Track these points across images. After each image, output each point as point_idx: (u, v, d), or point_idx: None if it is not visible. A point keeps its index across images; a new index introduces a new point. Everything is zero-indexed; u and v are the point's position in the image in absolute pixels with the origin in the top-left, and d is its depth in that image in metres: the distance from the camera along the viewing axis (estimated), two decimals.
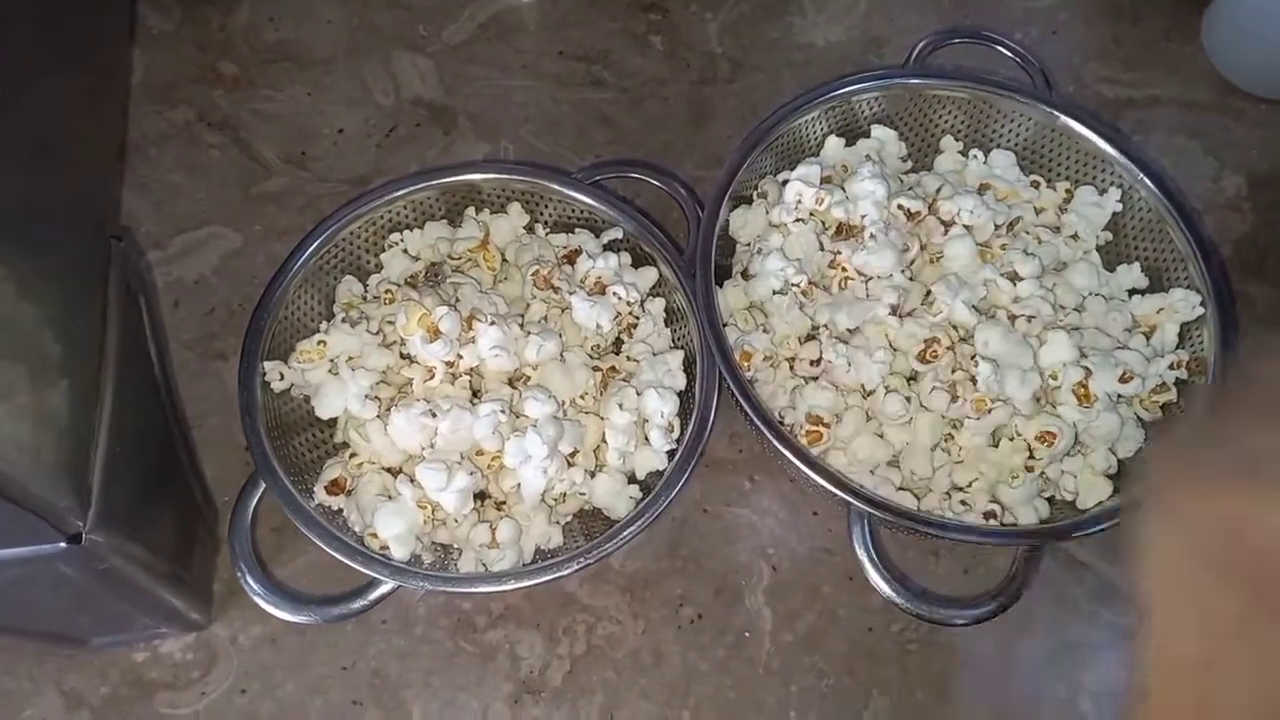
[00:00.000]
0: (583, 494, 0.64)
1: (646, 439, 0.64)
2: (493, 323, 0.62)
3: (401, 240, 0.70)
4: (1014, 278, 0.66)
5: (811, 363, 0.65)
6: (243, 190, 0.79)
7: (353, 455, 0.63)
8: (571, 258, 0.68)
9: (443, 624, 0.67)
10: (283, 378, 0.63)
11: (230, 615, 0.66)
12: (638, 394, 0.64)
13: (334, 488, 0.62)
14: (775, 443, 0.59)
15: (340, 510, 0.62)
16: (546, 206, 0.71)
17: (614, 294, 0.66)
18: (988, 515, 0.63)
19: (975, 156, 0.71)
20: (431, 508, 0.60)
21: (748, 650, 0.67)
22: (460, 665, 0.66)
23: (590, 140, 0.82)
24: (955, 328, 0.66)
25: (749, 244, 0.70)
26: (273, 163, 0.81)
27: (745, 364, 0.64)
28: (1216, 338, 0.64)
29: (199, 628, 0.65)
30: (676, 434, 0.64)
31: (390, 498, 0.61)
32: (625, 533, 0.59)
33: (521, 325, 0.64)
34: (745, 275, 0.68)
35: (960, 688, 0.66)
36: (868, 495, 0.59)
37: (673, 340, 0.69)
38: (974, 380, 0.64)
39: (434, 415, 0.60)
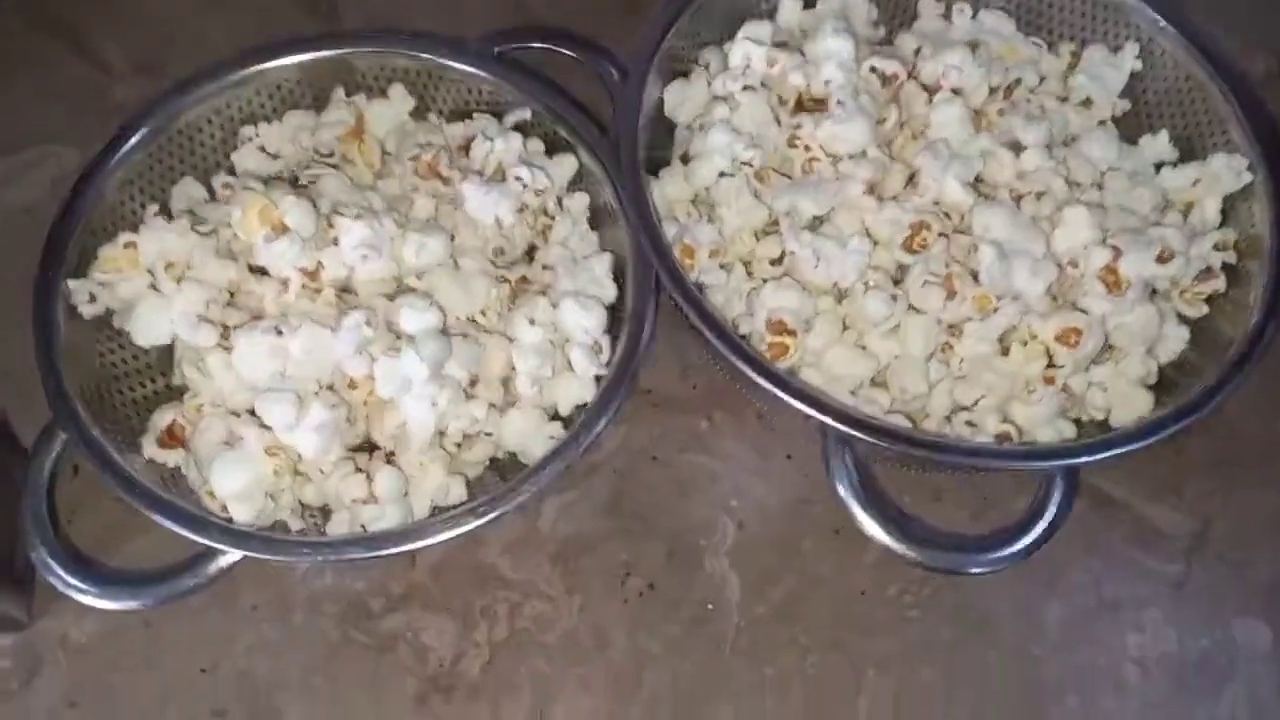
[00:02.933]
0: (489, 434, 0.50)
1: (568, 363, 0.51)
2: (358, 216, 0.49)
3: (257, 134, 0.57)
4: (1016, 148, 0.54)
5: (772, 262, 0.52)
6: (84, 102, 0.66)
7: (192, 397, 0.50)
8: (468, 147, 0.55)
9: (328, 610, 0.54)
10: (94, 299, 0.50)
11: (58, 609, 0.53)
12: (553, 306, 0.51)
13: (169, 439, 0.49)
14: (726, 353, 0.47)
15: (178, 468, 0.49)
16: (439, 89, 0.58)
17: (517, 178, 0.53)
18: (1000, 439, 0.50)
19: (961, 10, 0.59)
20: (285, 455, 0.48)
21: (711, 626, 0.54)
22: (350, 660, 0.53)
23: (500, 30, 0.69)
24: (947, 214, 0.53)
25: (689, 125, 0.57)
26: (121, 70, 0.67)
27: (688, 262, 0.51)
28: (1271, 210, 0.52)
29: (17, 626, 0.52)
30: (606, 356, 0.52)
31: (232, 445, 0.47)
32: (540, 474, 0.46)
33: (400, 225, 0.51)
34: (685, 160, 0.55)
35: (976, 662, 0.54)
36: (849, 414, 0.46)
37: (600, 245, 0.56)
38: (974, 274, 0.51)
39: (280, 333, 0.47)
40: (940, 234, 0.51)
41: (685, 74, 0.58)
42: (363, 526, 0.48)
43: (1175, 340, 0.52)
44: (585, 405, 0.51)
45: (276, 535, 0.47)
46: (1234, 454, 0.58)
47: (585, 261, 0.54)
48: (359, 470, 0.49)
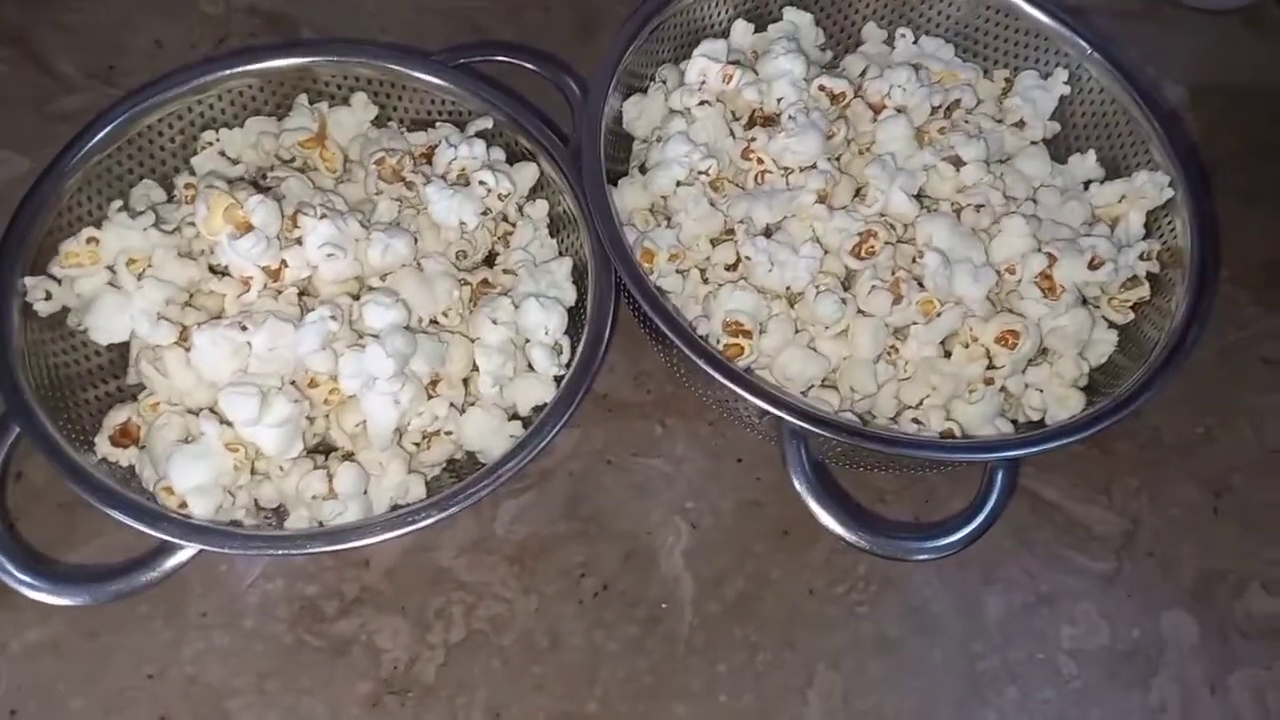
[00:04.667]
0: (449, 433, 0.51)
1: (529, 365, 0.52)
2: (323, 216, 0.49)
3: (217, 138, 0.57)
4: (957, 163, 0.57)
5: (727, 268, 0.54)
6: (34, 109, 0.65)
7: (147, 395, 0.49)
8: (430, 155, 0.56)
9: (280, 614, 0.53)
10: (49, 297, 0.49)
11: None
12: (515, 306, 0.52)
13: (122, 437, 0.48)
14: (688, 351, 0.48)
15: (132, 467, 0.49)
16: (401, 98, 0.59)
17: (480, 183, 0.54)
18: (944, 436, 0.52)
19: (903, 36, 0.62)
20: (245, 451, 0.47)
21: (665, 625, 0.55)
22: (304, 663, 0.52)
23: (460, 44, 0.70)
24: (893, 224, 0.55)
25: (646, 138, 0.59)
26: (72, 78, 0.67)
27: (648, 266, 0.53)
28: (1191, 222, 0.55)
29: None
30: (566, 356, 0.52)
31: (191, 442, 0.47)
32: (499, 472, 0.47)
33: (365, 226, 0.52)
34: (643, 170, 0.57)
35: (922, 657, 0.55)
36: (806, 409, 0.48)
37: (559, 251, 0.57)
38: (918, 280, 0.53)
39: (244, 329, 0.47)
40: (886, 242, 0.53)
41: (642, 90, 0.60)
42: (320, 523, 0.48)
43: (1104, 344, 0.55)
44: (544, 406, 0.51)
45: (234, 529, 0.46)
46: (1158, 456, 0.62)
47: (545, 265, 0.55)
48: (318, 467, 0.49)
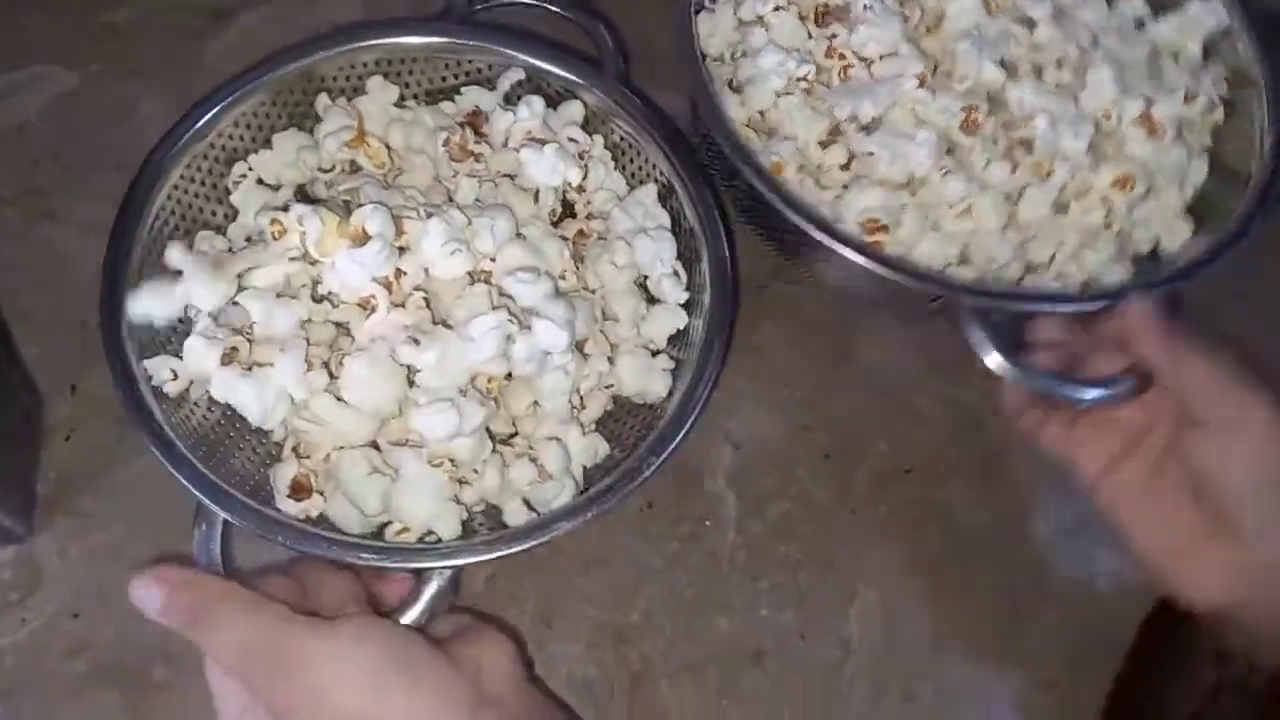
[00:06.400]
0: (609, 386, 0.51)
1: (652, 298, 0.53)
2: (430, 214, 0.47)
3: (249, 168, 0.54)
4: (1029, 24, 0.58)
5: (841, 168, 0.54)
6: (78, 21, 0.65)
7: (312, 447, 0.48)
8: (473, 121, 0.54)
9: None
10: (176, 376, 0.47)
11: (58, 524, 0.53)
12: (628, 244, 0.52)
13: (299, 491, 0.47)
14: (849, 253, 0.49)
15: (322, 517, 0.47)
16: (411, 72, 0.57)
17: (571, 139, 0.54)
18: (1084, 287, 0.54)
19: None
20: (448, 463, 0.47)
21: (708, 542, 0.56)
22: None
23: None
24: (987, 94, 0.56)
25: (719, 56, 0.59)
26: None
27: (780, 178, 0.53)
28: (1253, 45, 0.58)
29: (16, 540, 0.52)
30: (685, 280, 0.53)
31: (392, 477, 0.47)
32: (686, 421, 0.47)
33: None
34: (734, 88, 0.57)
35: (961, 578, 0.56)
36: (983, 288, 0.51)
37: (627, 178, 0.57)
38: (1025, 145, 0.55)
39: (417, 343, 0.45)
40: (989, 114, 0.55)
41: (708, 9, 0.59)
42: (536, 512, 0.48)
43: (1199, 173, 0.57)
44: (682, 331, 0.52)
45: (488, 538, 0.46)
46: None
47: (633, 197, 0.55)
48: (520, 456, 0.49)
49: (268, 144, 0.54)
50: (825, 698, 0.53)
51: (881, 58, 0.56)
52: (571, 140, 0.54)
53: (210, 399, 0.47)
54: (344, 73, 0.55)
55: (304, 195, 0.54)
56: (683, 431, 0.47)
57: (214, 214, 0.53)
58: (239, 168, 0.53)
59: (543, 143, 0.53)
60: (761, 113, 0.56)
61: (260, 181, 0.54)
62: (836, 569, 0.56)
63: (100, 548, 0.52)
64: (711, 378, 0.49)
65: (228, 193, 0.53)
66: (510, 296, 0.48)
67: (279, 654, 0.39)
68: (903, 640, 0.54)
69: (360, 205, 0.47)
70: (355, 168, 0.54)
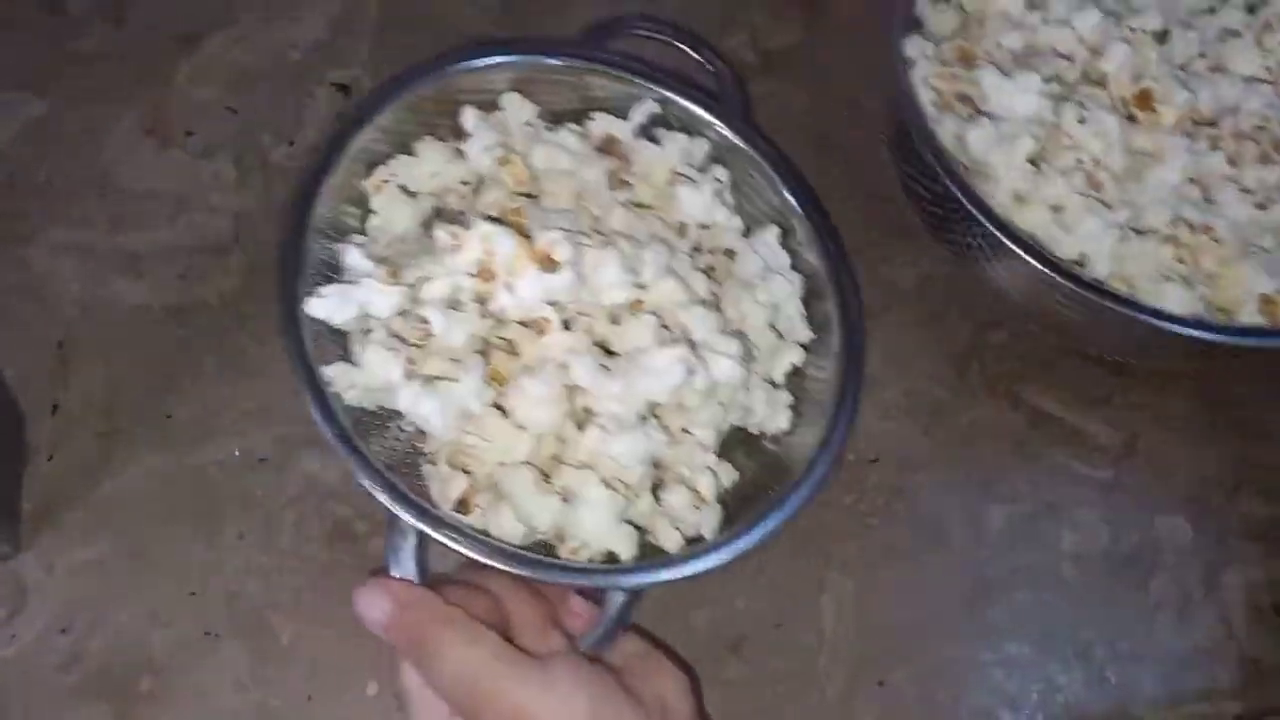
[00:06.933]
0: (747, 408, 0.51)
1: (779, 335, 0.54)
2: (607, 244, 0.48)
3: (392, 174, 0.52)
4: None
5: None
6: (48, 47, 0.66)
7: (476, 464, 0.47)
8: (611, 149, 0.54)
9: (314, 534, 0.55)
10: (355, 386, 0.47)
11: (44, 541, 0.53)
12: (763, 281, 0.53)
13: (464, 506, 0.47)
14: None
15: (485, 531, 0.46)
16: (536, 93, 0.56)
17: (716, 179, 0.54)
18: None
19: None
20: (625, 484, 0.47)
21: None
22: (340, 579, 0.54)
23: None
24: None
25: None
26: (82, 18, 0.67)
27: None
28: None
29: (2, 557, 0.53)
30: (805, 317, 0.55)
31: (562, 495, 0.46)
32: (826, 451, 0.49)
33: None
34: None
35: (930, 564, 0.58)
36: None
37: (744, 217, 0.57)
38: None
39: (605, 369, 0.46)
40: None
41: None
42: (686, 540, 0.48)
43: None
44: (798, 368, 0.53)
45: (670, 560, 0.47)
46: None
47: (758, 237, 0.55)
48: (679, 483, 0.48)
49: (403, 150, 0.53)
50: (804, 685, 0.54)
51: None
52: (717, 180, 0.55)
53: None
54: (479, 88, 0.55)
55: (440, 209, 0.53)
56: (829, 463, 0.49)
57: (345, 223, 0.52)
58: (381, 172, 0.53)
59: (696, 181, 0.54)
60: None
61: (403, 188, 0.53)
62: (807, 557, 0.57)
63: (86, 563, 0.53)
64: (847, 419, 0.50)
65: (361, 196, 0.52)
66: (670, 328, 0.49)
67: (495, 691, 0.40)
68: (874, 626, 0.56)
69: (540, 228, 0.47)
70: (487, 182, 0.53)
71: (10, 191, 0.61)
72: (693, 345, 0.48)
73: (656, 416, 0.48)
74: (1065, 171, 0.56)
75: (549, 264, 0.46)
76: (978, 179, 0.56)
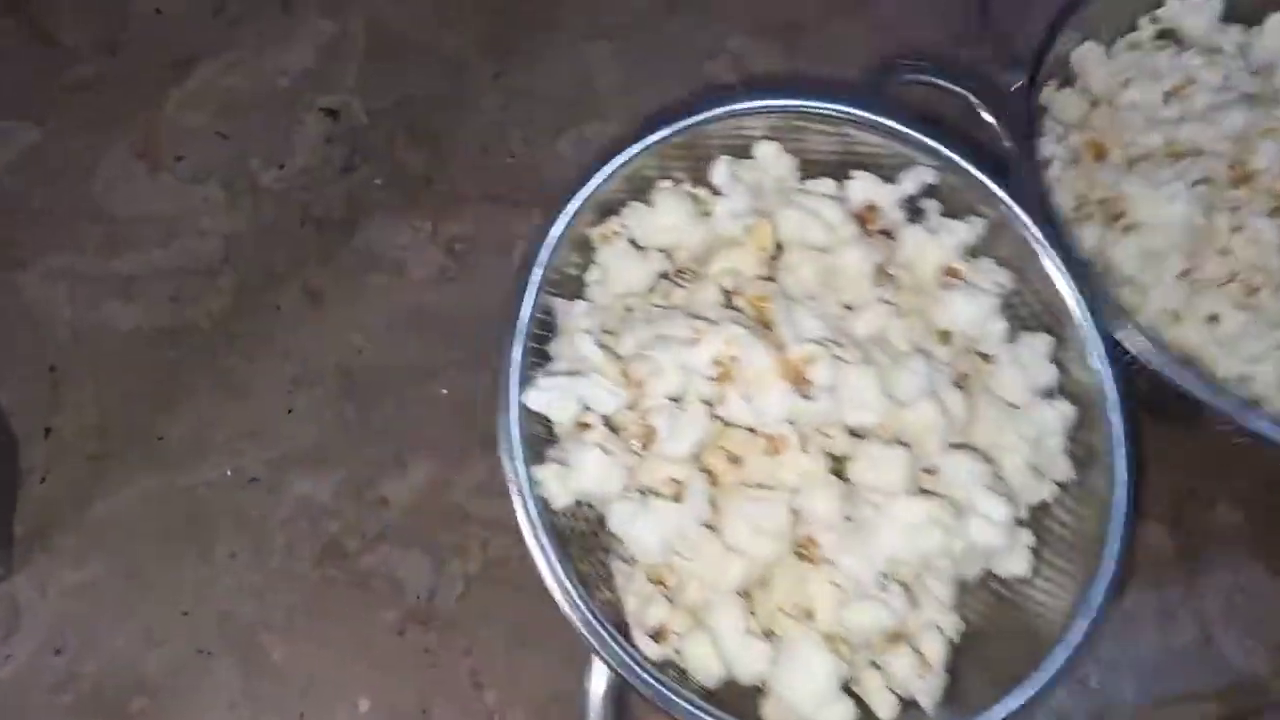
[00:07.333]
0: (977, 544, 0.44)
1: (1035, 471, 0.46)
2: (867, 361, 0.42)
3: (624, 225, 0.47)
4: None
5: None
6: (41, 78, 0.67)
7: (677, 591, 0.42)
8: (867, 216, 0.47)
9: (306, 553, 0.56)
10: (566, 491, 0.42)
11: (38, 562, 0.54)
12: (1023, 406, 0.45)
13: (661, 636, 0.42)
14: None
15: (681, 670, 0.42)
16: (795, 143, 0.49)
17: (996, 283, 0.46)
18: None
19: None
20: (848, 645, 0.41)
21: None
22: (331, 597, 0.55)
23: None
24: None
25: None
26: (76, 49, 0.68)
27: None
28: None
29: None
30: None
31: (773, 643, 0.41)
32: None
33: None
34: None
35: None
36: None
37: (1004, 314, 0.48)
38: None
39: (847, 519, 0.40)
40: None
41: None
42: (901, 701, 0.42)
43: None
44: (1045, 506, 0.46)
45: None
46: None
47: (1022, 343, 0.47)
48: (900, 643, 0.42)
49: (639, 196, 0.48)
50: None
51: None
52: (998, 285, 0.47)
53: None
54: (728, 136, 0.49)
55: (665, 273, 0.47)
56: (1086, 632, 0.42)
57: (569, 271, 0.47)
58: (613, 222, 0.47)
59: (972, 286, 0.46)
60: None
61: (632, 242, 0.47)
62: None
63: (79, 584, 0.54)
64: (1111, 579, 0.43)
65: (587, 242, 0.47)
66: (932, 471, 0.42)
67: None
68: None
69: (788, 324, 0.42)
70: (725, 243, 0.46)
71: (4, 218, 0.62)
72: (950, 498, 0.41)
73: (899, 578, 0.42)
74: (1219, 283, 0.50)
75: (802, 383, 0.40)
76: (1123, 290, 0.52)
